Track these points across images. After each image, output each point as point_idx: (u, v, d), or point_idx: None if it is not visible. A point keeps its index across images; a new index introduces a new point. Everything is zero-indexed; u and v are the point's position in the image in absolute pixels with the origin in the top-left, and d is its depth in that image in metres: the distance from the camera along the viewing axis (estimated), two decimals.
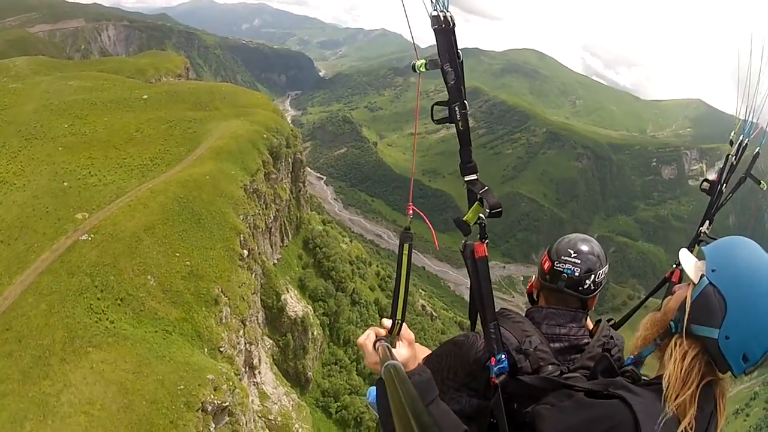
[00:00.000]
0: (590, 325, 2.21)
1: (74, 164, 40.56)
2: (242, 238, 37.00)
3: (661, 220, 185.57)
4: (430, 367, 1.94)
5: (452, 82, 1.50)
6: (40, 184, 37.14)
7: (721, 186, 2.88)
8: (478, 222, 1.70)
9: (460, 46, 1.50)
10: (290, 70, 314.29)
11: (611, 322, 2.26)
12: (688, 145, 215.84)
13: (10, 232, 31.16)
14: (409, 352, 1.82)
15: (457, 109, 1.54)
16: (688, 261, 1.69)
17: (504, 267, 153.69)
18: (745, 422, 79.47)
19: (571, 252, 2.15)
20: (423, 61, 1.47)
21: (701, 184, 2.94)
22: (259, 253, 43.94)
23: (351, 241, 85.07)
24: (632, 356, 1.78)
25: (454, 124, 1.57)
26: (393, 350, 1.69)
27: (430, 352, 2.22)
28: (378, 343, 1.73)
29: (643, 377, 1.69)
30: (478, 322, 1.91)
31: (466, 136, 1.60)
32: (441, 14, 1.40)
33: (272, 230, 53.60)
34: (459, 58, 1.48)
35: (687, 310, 1.54)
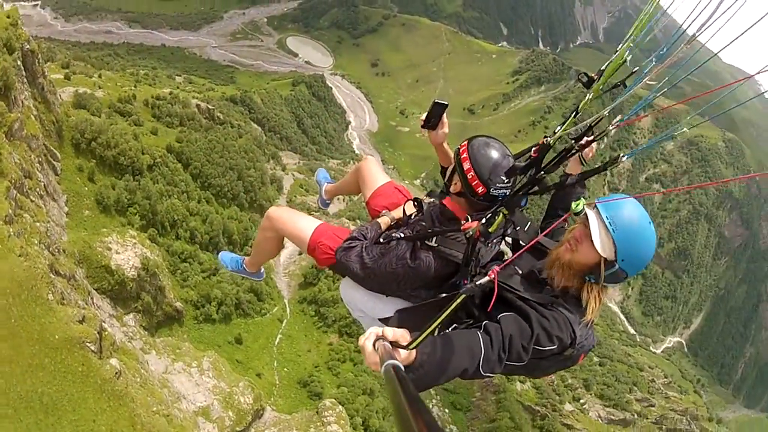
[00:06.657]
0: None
1: None
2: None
3: None
4: (377, 275, 2.56)
5: None
6: None
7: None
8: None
9: None
10: None
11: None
12: None
13: None
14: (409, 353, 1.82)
15: None
16: (598, 240, 2.14)
17: None
18: None
19: (504, 178, 2.35)
20: None
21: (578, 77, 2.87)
22: (48, 248, 21.27)
23: (102, 78, 54.29)
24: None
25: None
26: (393, 350, 1.68)
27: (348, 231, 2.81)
28: (378, 343, 1.70)
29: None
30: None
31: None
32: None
33: (43, 180, 28.95)
34: None
35: (603, 277, 2.21)
